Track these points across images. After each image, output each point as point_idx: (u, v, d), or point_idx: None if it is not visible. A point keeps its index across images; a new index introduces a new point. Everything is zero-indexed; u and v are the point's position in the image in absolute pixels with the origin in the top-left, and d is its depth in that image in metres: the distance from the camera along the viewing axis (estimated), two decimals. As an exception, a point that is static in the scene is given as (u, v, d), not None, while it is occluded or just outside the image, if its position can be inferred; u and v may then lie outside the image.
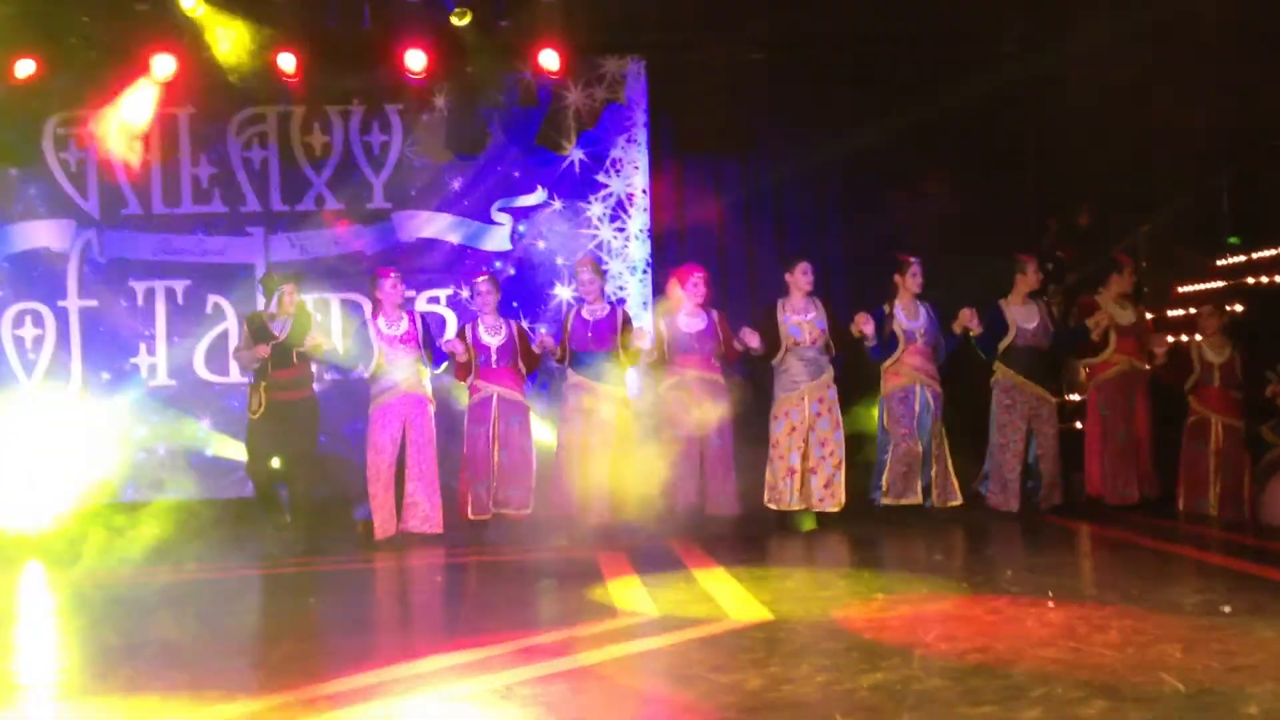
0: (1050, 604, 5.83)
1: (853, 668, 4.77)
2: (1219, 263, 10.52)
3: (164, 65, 9.95)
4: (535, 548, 8.23)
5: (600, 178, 10.91)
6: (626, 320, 8.77)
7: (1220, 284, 10.32)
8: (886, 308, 8.64)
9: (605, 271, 9.95)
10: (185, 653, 5.54)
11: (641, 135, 10.95)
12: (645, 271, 10.83)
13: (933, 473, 8.63)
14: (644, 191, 10.93)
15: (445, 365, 8.71)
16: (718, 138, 10.99)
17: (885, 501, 8.59)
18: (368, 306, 10.09)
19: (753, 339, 8.44)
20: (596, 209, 10.89)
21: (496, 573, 7.64)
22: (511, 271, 10.75)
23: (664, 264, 10.64)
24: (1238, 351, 8.88)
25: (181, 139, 10.79)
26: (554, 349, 8.62)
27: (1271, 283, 9.71)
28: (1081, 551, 7.91)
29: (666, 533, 8.29)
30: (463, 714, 4.39)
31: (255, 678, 5.07)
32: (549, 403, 9.77)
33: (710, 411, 8.47)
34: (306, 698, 4.57)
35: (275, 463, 8.66)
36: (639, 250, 10.85)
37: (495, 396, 8.55)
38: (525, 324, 9.83)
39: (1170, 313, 10.32)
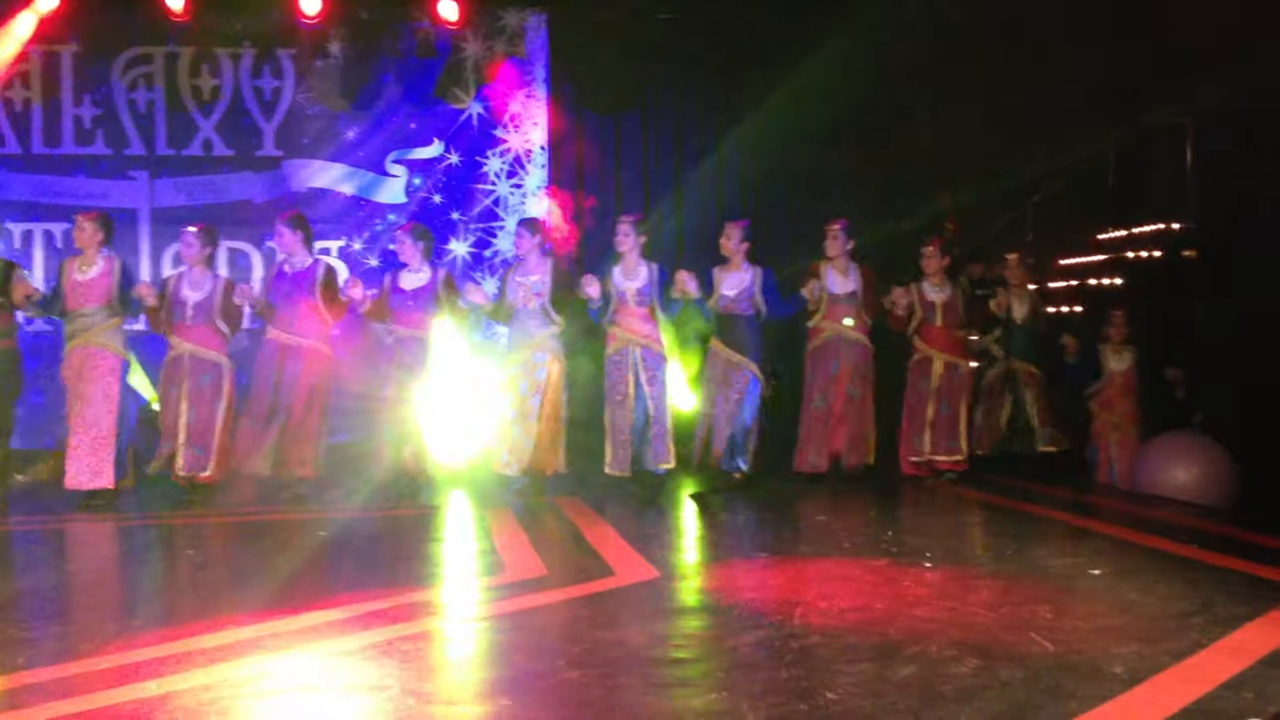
0: (928, 565, 5.97)
1: (734, 625, 4.84)
2: (1100, 237, 10.81)
3: (47, -3, 9.61)
4: (422, 504, 8.17)
5: (499, 133, 10.80)
6: (448, 281, 8.64)
7: (1101, 257, 10.62)
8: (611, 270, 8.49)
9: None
10: None
11: (541, 91, 10.85)
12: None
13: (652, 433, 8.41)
14: (543, 148, 10.85)
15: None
16: (619, 95, 10.94)
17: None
18: (256, 256, 9.91)
19: (592, 288, 8.27)
20: (494, 164, 10.79)
21: (379, 528, 7.58)
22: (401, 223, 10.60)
23: (563, 221, 10.58)
24: (959, 290, 9.09)
25: (64, 78, 10.43)
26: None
27: (1150, 257, 10.02)
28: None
29: (537, 491, 8.33)
30: (339, 670, 4.35)
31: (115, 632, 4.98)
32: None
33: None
34: (182, 651, 4.49)
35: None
36: (537, 207, 10.78)
37: (187, 355, 8.33)
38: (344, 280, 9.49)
39: (1052, 284, 10.59)
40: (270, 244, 9.96)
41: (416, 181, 10.73)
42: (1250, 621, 4.78)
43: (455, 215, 10.73)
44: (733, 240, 8.61)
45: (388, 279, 8.72)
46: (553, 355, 8.39)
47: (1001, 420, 9.37)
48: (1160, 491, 8.30)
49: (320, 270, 8.55)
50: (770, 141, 10.78)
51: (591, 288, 8.20)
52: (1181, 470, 8.32)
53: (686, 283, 8.25)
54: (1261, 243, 8.41)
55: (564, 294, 8.40)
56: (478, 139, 10.78)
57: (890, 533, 7.00)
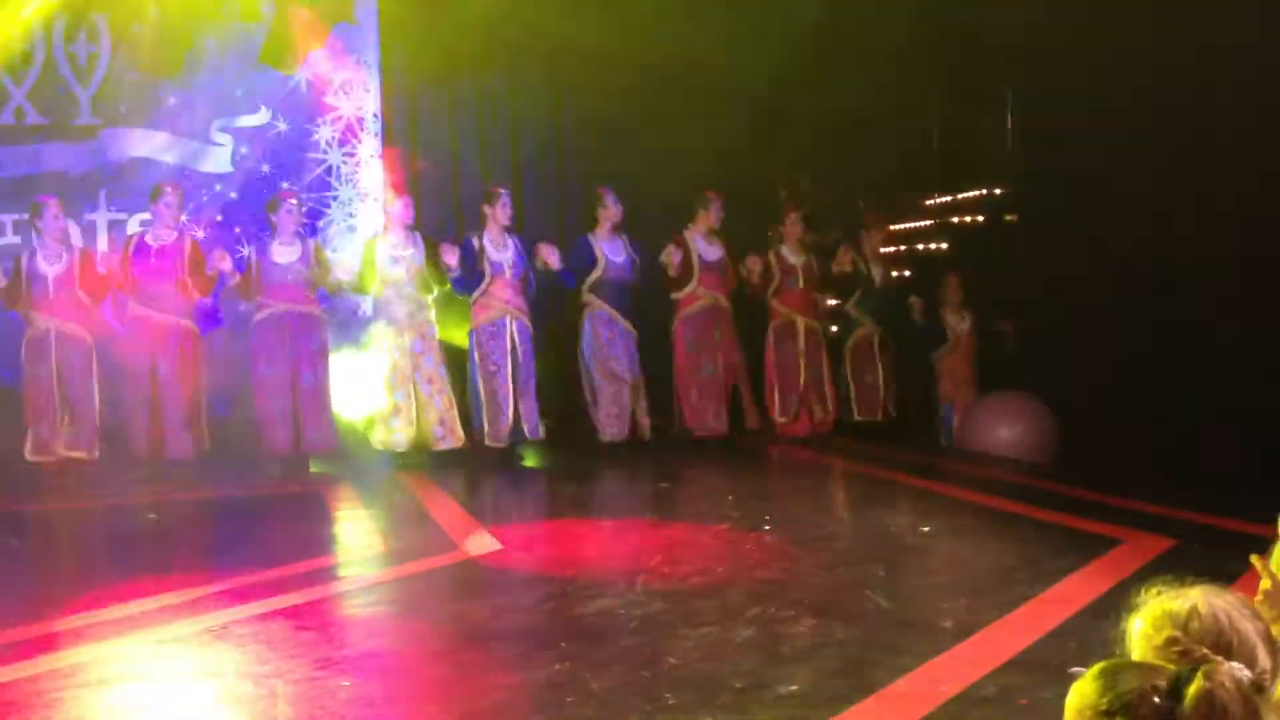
0: (768, 529, 6.07)
1: (578, 594, 4.86)
2: (926, 202, 11.10)
3: None
4: (260, 484, 7.96)
5: (329, 100, 10.50)
6: (195, 249, 8.45)
7: (927, 222, 10.91)
8: (476, 240, 8.49)
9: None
10: None
11: (373, 57, 10.58)
12: (376, 199, 10.54)
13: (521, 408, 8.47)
14: (375, 116, 10.60)
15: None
16: (452, 63, 10.74)
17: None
18: (75, 230, 9.47)
19: (451, 256, 8.28)
20: (325, 132, 10.49)
21: (216, 509, 7.37)
22: (234, 195, 10.25)
23: (397, 191, 10.37)
24: (815, 256, 9.29)
25: None
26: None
27: (974, 222, 10.32)
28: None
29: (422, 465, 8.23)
30: (171, 657, 4.22)
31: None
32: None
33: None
34: (8, 642, 4.29)
35: None
36: (369, 176, 10.54)
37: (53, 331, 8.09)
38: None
39: (883, 249, 10.82)
40: (91, 217, 9.57)
41: (244, 150, 10.36)
42: (1073, 573, 4.98)
43: (285, 185, 10.41)
44: (610, 207, 8.69)
45: (252, 253, 8.49)
46: (426, 327, 8.36)
47: (880, 383, 9.45)
48: (986, 449, 8.59)
49: (187, 244, 8.31)
50: (610, 113, 10.77)
51: (450, 256, 8.15)
52: (1005, 428, 8.62)
53: (548, 255, 8.26)
54: (1075, 207, 8.75)
55: (432, 266, 8.37)
56: (307, 106, 10.46)
57: (731, 497, 7.10)
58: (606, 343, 8.64)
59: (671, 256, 8.75)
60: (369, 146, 10.53)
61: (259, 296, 8.31)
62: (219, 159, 10.31)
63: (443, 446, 8.30)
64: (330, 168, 10.45)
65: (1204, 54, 7.26)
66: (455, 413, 8.36)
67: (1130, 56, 7.86)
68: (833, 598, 4.72)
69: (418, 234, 8.51)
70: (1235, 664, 1.49)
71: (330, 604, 4.84)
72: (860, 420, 9.40)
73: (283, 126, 10.35)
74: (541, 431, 8.39)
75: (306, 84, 10.39)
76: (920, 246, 10.65)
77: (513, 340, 8.32)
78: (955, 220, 10.49)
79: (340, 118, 10.49)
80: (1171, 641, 1.57)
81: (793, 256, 9.21)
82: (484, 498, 7.31)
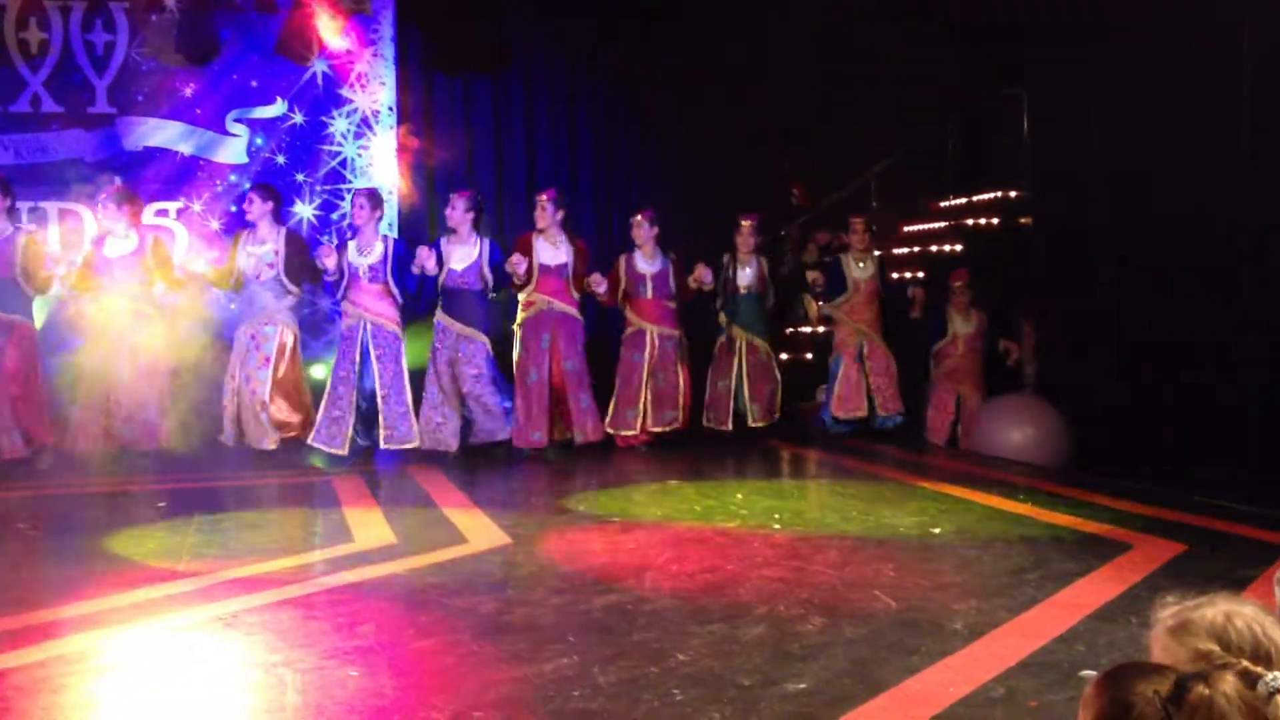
0: (777, 527, 6.07)
1: (587, 589, 4.86)
2: (941, 204, 11.08)
3: None
4: (267, 473, 7.98)
5: (345, 92, 10.51)
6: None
7: (942, 224, 10.88)
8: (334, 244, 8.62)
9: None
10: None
11: (389, 50, 10.60)
12: (390, 192, 10.55)
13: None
14: (391, 109, 10.61)
15: None
16: (469, 56, 10.75)
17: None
18: (89, 217, 9.51)
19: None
20: (341, 124, 10.51)
21: (222, 499, 7.38)
22: (248, 186, 10.27)
23: (412, 185, 10.42)
24: (671, 262, 9.06)
25: (-121, 29, 9.80)
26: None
27: (989, 224, 10.29)
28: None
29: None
30: (181, 645, 4.23)
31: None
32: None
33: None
34: (15, 628, 4.31)
35: None
36: (384, 170, 10.56)
37: None
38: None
39: (895, 251, 10.81)
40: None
41: (259, 141, 10.39)
42: (1082, 577, 4.98)
43: (300, 177, 10.43)
44: (457, 210, 8.49)
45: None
46: (285, 325, 8.38)
47: (730, 389, 9.29)
48: (997, 452, 8.57)
49: (21, 239, 8.28)
50: (618, 110, 10.81)
51: (328, 259, 8.20)
52: (1016, 431, 8.60)
53: (425, 259, 8.23)
54: (1090, 210, 8.72)
55: (299, 264, 8.43)
56: (323, 98, 10.48)
57: (740, 495, 7.10)
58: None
59: (514, 264, 8.41)
60: (384, 140, 10.54)
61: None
62: (234, 150, 10.33)
63: (226, 443, 8.36)
64: (345, 160, 10.47)
65: (1223, 52, 7.22)
66: (254, 413, 8.29)
67: (1147, 57, 7.82)
68: (841, 597, 4.71)
69: (282, 229, 8.64)
70: (1276, 673, 1.48)
71: (339, 594, 4.84)
72: (708, 427, 9.26)
73: (298, 118, 10.38)
74: (415, 439, 8.26)
75: (322, 76, 10.41)
76: (934, 248, 10.63)
77: (365, 347, 8.28)
78: (970, 223, 10.46)
79: (356, 110, 10.50)
80: (1204, 654, 1.55)
81: (644, 264, 8.97)
82: (491, 492, 7.30)
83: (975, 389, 9.36)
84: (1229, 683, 1.46)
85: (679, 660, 3.95)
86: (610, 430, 8.88)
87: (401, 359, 8.37)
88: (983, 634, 4.21)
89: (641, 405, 8.88)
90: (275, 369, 8.32)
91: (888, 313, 9.62)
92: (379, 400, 8.25)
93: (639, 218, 9.03)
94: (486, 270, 8.42)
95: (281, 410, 8.38)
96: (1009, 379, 9.29)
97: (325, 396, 8.34)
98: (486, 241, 8.54)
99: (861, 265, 9.41)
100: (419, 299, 8.57)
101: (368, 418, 8.35)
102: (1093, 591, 4.74)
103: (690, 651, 4.03)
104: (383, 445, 8.26)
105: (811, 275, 9.41)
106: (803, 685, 3.71)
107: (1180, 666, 1.54)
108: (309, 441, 8.25)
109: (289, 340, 8.42)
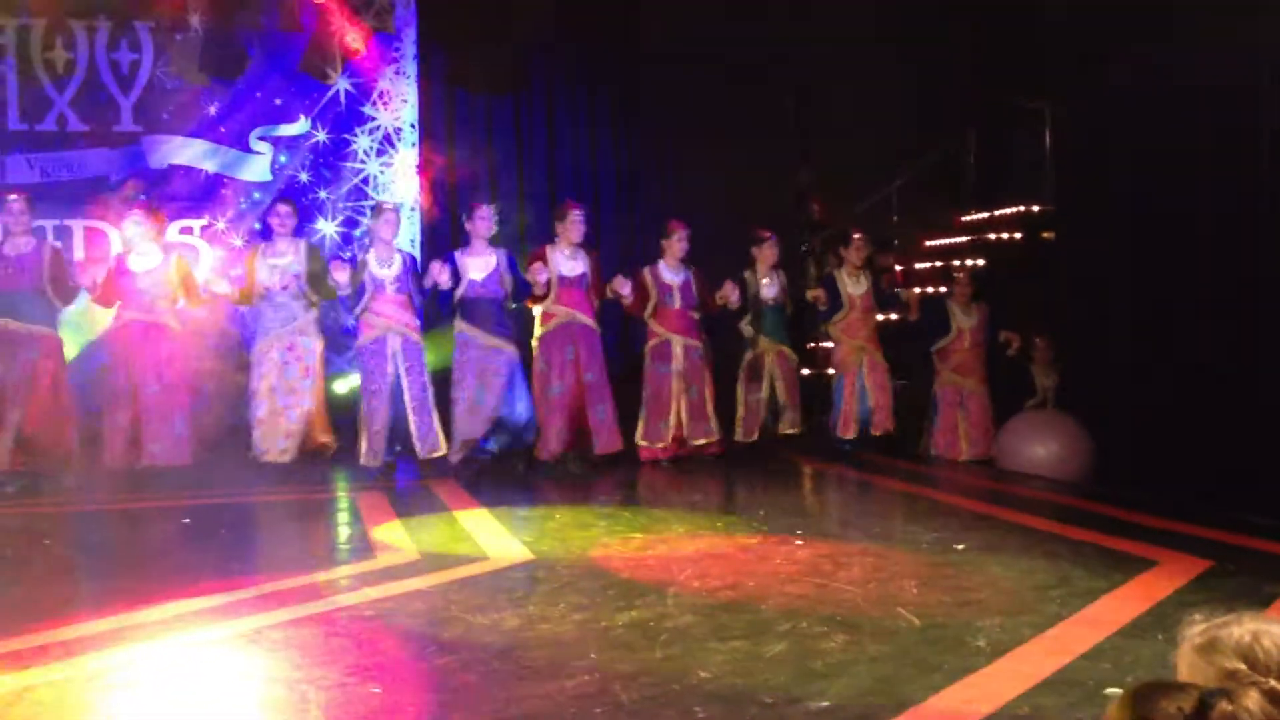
0: (799, 542, 6.05)
1: (609, 605, 4.85)
2: (963, 218, 11.06)
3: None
4: (289, 489, 8.01)
5: (367, 110, 10.60)
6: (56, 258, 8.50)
7: (964, 239, 10.86)
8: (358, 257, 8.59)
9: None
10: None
11: (411, 68, 10.68)
12: (413, 209, 10.61)
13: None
14: (413, 126, 10.69)
15: None
16: (490, 74, 10.81)
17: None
18: (114, 235, 9.58)
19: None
20: (363, 142, 10.59)
21: (245, 515, 7.41)
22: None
23: (433, 202, 10.47)
24: (694, 272, 9.06)
25: (-91, 49, 9.92)
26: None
27: (1011, 239, 10.27)
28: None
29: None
30: (204, 660, 4.25)
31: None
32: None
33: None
34: (41, 644, 4.33)
35: None
36: (406, 186, 10.62)
37: None
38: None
39: (918, 265, 10.80)
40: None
41: (283, 159, 10.48)
42: (1107, 594, 4.94)
43: (323, 194, 10.51)
44: (487, 220, 8.48)
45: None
46: (316, 336, 8.56)
47: (761, 402, 9.26)
48: (1019, 467, 8.53)
49: (47, 253, 8.37)
50: (635, 125, 10.85)
51: (340, 274, 8.18)
52: (1041, 446, 8.56)
53: (438, 274, 8.22)
54: (1113, 224, 8.69)
55: (320, 276, 8.49)
56: (346, 116, 10.57)
57: (762, 511, 7.08)
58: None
59: (536, 274, 8.45)
60: (406, 157, 10.60)
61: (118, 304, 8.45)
62: (258, 168, 10.42)
63: (283, 459, 8.43)
64: (367, 177, 10.53)
65: (1245, 69, 7.20)
66: (302, 426, 8.48)
67: (1169, 69, 7.80)
68: (864, 613, 4.69)
69: (301, 241, 8.71)
70: None
71: (361, 610, 4.85)
72: (737, 441, 9.20)
73: (322, 136, 10.46)
74: (442, 448, 8.30)
75: (345, 94, 10.48)
76: (956, 262, 10.60)
77: (396, 359, 8.28)
78: (992, 237, 10.43)
79: (378, 127, 10.57)
80: (1231, 673, 1.54)
81: (670, 275, 8.98)
82: (513, 508, 7.30)
83: (980, 382, 9.28)
84: (1253, 699, 1.45)
85: (701, 677, 3.94)
86: (642, 443, 8.87)
87: (425, 369, 8.40)
88: (1007, 651, 4.19)
89: (674, 417, 8.87)
90: (316, 380, 8.52)
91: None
92: (408, 411, 8.27)
93: (678, 231, 9.02)
94: (507, 276, 8.42)
95: (321, 425, 8.58)
96: (1017, 380, 9.19)
97: (361, 411, 8.34)
98: (503, 251, 8.57)
99: (856, 281, 9.36)
100: (429, 314, 8.58)
101: (395, 429, 8.38)
102: (1118, 608, 4.71)
103: (712, 668, 4.02)
104: (421, 455, 8.28)
105: (813, 294, 9.36)
106: (826, 703, 3.70)
107: (1207, 685, 1.53)
108: (361, 463, 8.26)
109: (320, 351, 8.60)
